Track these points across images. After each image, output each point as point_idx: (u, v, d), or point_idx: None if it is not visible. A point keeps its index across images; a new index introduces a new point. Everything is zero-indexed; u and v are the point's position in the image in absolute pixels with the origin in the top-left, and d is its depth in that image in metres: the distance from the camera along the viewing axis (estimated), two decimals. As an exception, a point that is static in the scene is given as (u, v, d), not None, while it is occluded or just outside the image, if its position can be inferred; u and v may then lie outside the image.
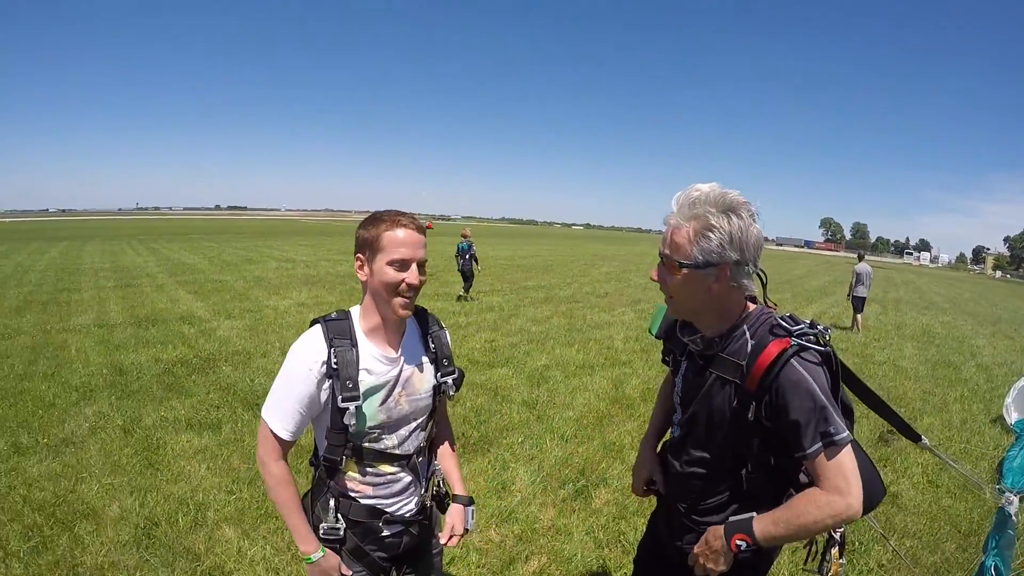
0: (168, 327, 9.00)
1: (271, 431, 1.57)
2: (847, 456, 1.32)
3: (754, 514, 1.39)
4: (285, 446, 1.60)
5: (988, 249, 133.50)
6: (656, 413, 1.94)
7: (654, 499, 1.84)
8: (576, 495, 4.07)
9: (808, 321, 1.39)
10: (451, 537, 1.80)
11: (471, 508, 1.87)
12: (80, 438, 4.61)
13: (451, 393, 1.78)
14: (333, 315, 1.63)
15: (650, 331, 1.76)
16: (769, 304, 1.51)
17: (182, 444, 4.56)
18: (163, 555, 3.15)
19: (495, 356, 7.94)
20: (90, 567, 3.02)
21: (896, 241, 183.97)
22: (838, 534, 1.50)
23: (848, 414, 1.44)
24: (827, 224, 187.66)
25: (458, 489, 1.88)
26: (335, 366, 1.54)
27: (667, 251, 1.43)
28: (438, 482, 1.85)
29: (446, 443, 1.93)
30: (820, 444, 1.30)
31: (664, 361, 1.79)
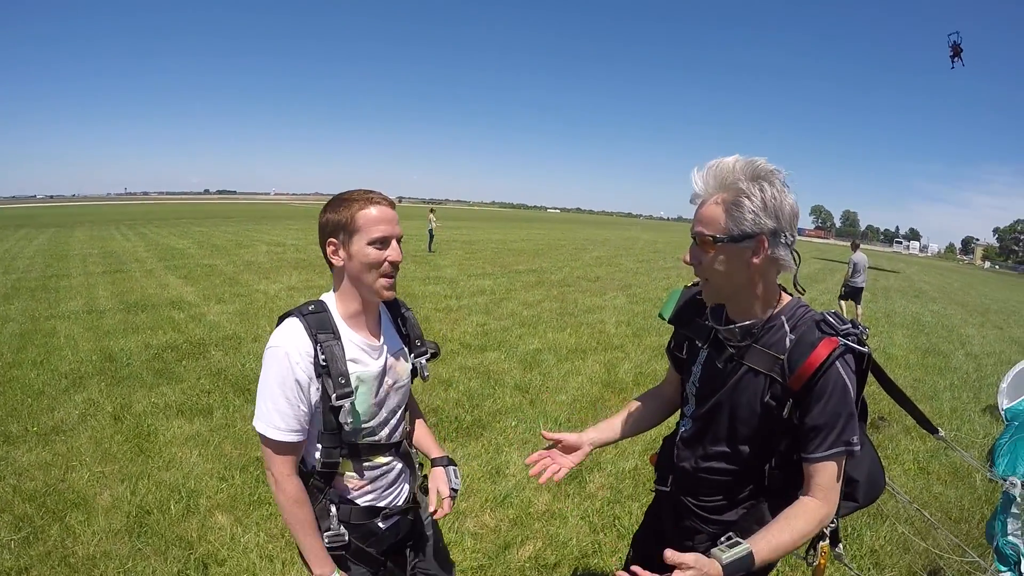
0: (158, 312, 8.91)
1: (274, 441, 1.43)
2: (843, 466, 1.33)
3: (751, 549, 1.24)
4: (295, 453, 1.49)
5: (977, 240, 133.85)
6: (646, 404, 1.89)
7: (650, 485, 1.74)
8: (570, 480, 4.06)
9: (850, 320, 1.34)
10: (440, 503, 1.75)
11: (453, 468, 1.83)
12: (70, 426, 4.57)
13: (425, 374, 1.73)
14: (310, 307, 1.52)
15: (661, 315, 1.66)
16: (798, 290, 1.45)
17: (173, 430, 4.53)
18: (155, 544, 3.14)
19: (487, 340, 7.94)
20: (82, 557, 3.00)
21: (886, 230, 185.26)
22: (828, 528, 1.44)
23: (864, 411, 1.42)
24: (817, 211, 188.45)
25: (435, 453, 1.86)
26: (324, 363, 1.44)
27: (699, 228, 1.33)
28: (419, 463, 1.82)
29: (418, 418, 1.91)
30: (838, 450, 1.28)
31: (670, 351, 1.69)
